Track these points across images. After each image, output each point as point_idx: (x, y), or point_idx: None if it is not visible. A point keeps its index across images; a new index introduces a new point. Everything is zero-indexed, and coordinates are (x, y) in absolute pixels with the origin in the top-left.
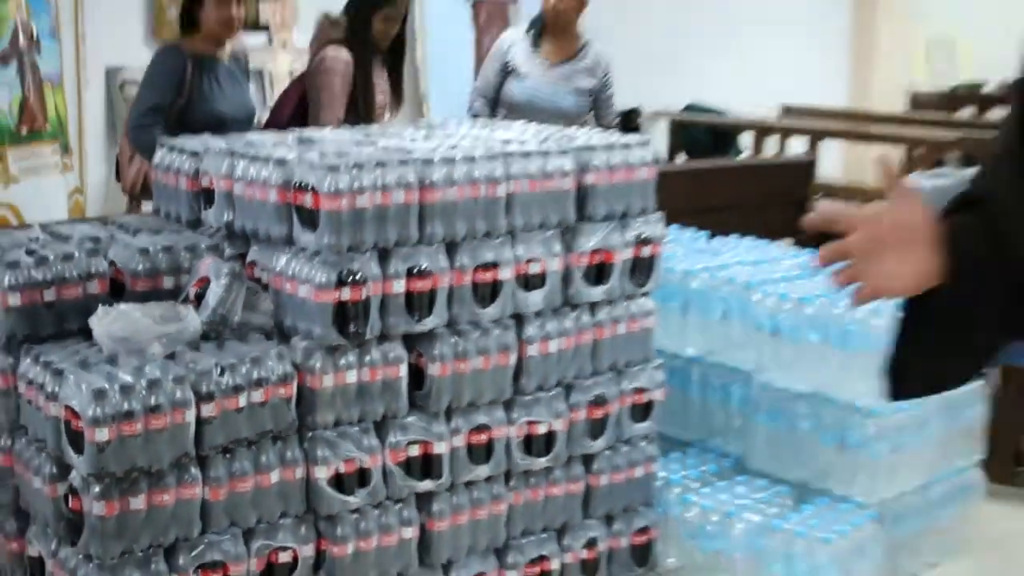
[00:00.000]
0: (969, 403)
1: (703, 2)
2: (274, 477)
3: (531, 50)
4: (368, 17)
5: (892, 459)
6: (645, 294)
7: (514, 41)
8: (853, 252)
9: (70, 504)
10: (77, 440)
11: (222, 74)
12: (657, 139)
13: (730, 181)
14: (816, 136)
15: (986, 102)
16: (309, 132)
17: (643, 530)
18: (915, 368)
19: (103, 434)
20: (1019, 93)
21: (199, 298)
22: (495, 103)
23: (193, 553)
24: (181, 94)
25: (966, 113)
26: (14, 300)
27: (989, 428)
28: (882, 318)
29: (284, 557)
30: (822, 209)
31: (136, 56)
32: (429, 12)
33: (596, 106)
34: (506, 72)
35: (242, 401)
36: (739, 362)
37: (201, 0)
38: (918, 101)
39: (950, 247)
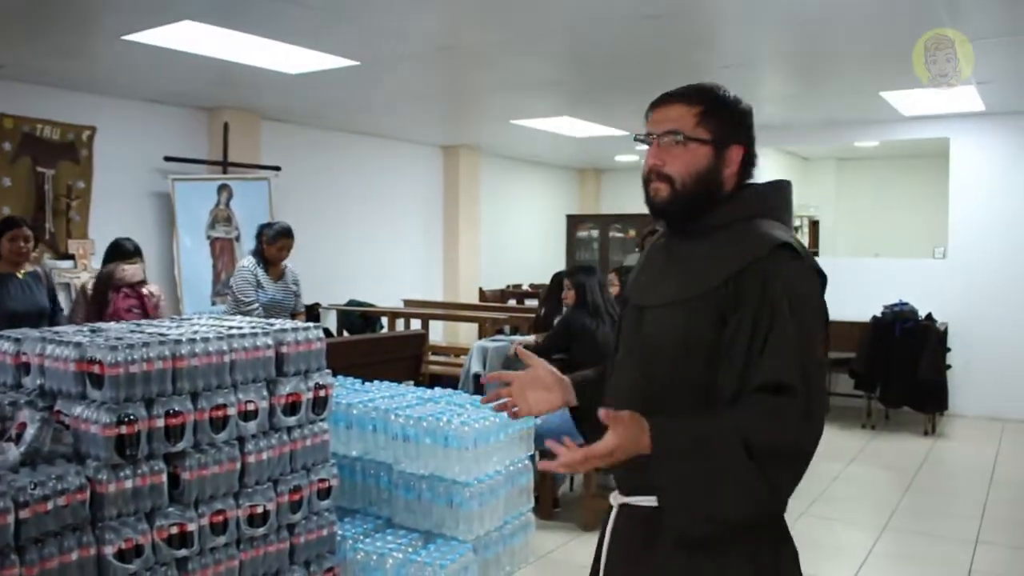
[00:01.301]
0: (523, 472)
1: (356, 237)
2: (74, 556)
3: (264, 273)
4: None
5: (480, 511)
6: (323, 419)
7: (251, 267)
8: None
9: None
10: None
11: (16, 285)
12: (330, 321)
13: (373, 347)
14: (426, 317)
15: (521, 296)
16: (98, 324)
17: (329, 569)
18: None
19: None
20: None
21: (18, 437)
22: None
23: None
24: None
25: (511, 302)
26: None
27: (536, 486)
28: (468, 426)
29: None
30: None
31: None
32: (183, 245)
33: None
34: (257, 284)
35: (50, 505)
36: (384, 458)
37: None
38: (484, 295)
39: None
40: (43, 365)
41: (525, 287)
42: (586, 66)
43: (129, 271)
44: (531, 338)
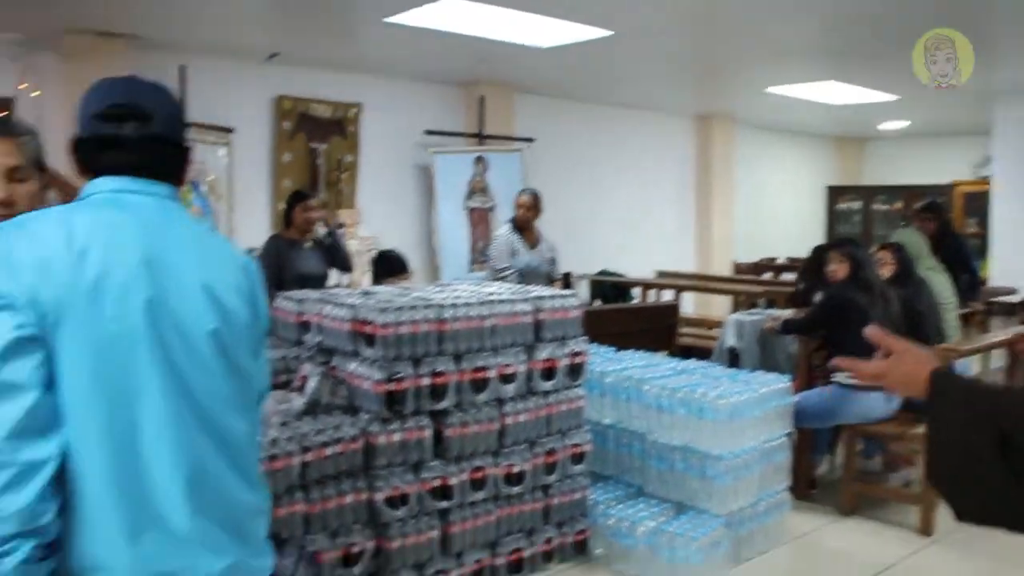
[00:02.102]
0: (779, 450)
1: (609, 209)
2: (349, 498)
3: (519, 240)
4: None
5: (734, 485)
6: (578, 385)
7: (506, 234)
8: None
9: None
10: None
11: (304, 251)
12: (582, 292)
13: (628, 316)
14: (679, 289)
15: (777, 269)
16: (371, 288)
17: (581, 531)
18: (968, 508)
19: None
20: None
21: (301, 388)
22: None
23: (299, 547)
24: (279, 263)
25: (767, 275)
26: None
27: (792, 465)
28: (723, 399)
29: (355, 549)
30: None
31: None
32: (442, 215)
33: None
34: (512, 251)
35: (329, 451)
36: (637, 427)
37: (293, 209)
38: (738, 268)
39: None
40: (321, 324)
41: (780, 260)
42: (853, 26)
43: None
44: (788, 312)
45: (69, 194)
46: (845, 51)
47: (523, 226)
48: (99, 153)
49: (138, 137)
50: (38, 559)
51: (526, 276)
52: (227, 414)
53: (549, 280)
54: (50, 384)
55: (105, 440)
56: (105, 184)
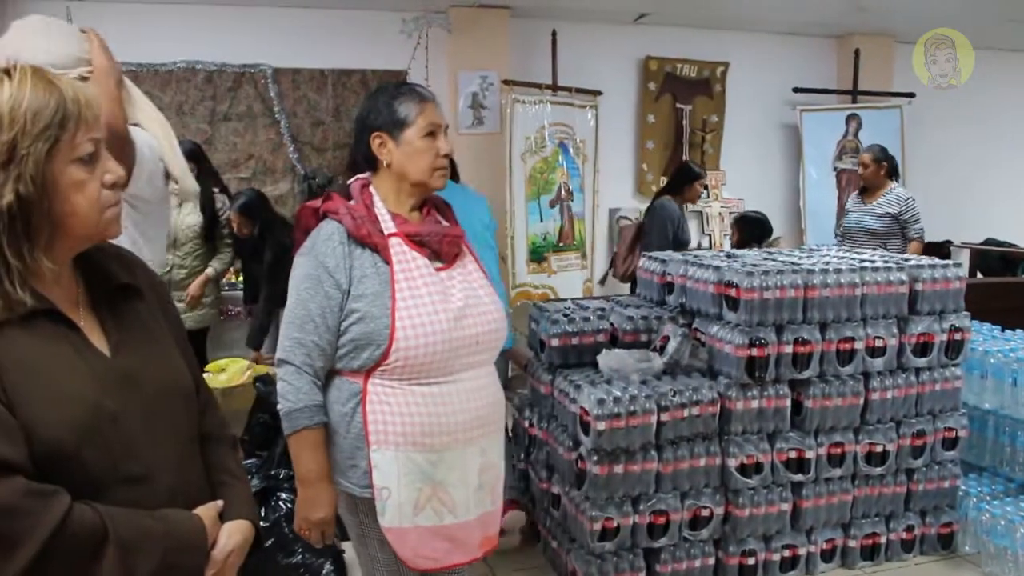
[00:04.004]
0: None
1: (998, 169)
2: (702, 462)
3: (857, 198)
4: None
5: None
6: (956, 365)
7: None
8: None
9: (579, 465)
10: (586, 428)
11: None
12: (962, 262)
13: (1017, 292)
14: None
15: None
16: (734, 250)
17: (947, 524)
18: None
19: (601, 425)
20: None
21: (662, 348)
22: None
23: (649, 503)
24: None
25: None
26: (555, 343)
27: None
28: None
29: (704, 513)
30: None
31: (627, 202)
32: (809, 176)
33: (902, 225)
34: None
35: (685, 413)
36: (1022, 415)
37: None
38: None
39: None
40: (684, 285)
41: None
42: None
43: None
44: None
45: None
46: None
47: (868, 184)
48: None
49: None
50: None
51: (852, 233)
52: None
53: (908, 240)
54: None
55: None
56: None
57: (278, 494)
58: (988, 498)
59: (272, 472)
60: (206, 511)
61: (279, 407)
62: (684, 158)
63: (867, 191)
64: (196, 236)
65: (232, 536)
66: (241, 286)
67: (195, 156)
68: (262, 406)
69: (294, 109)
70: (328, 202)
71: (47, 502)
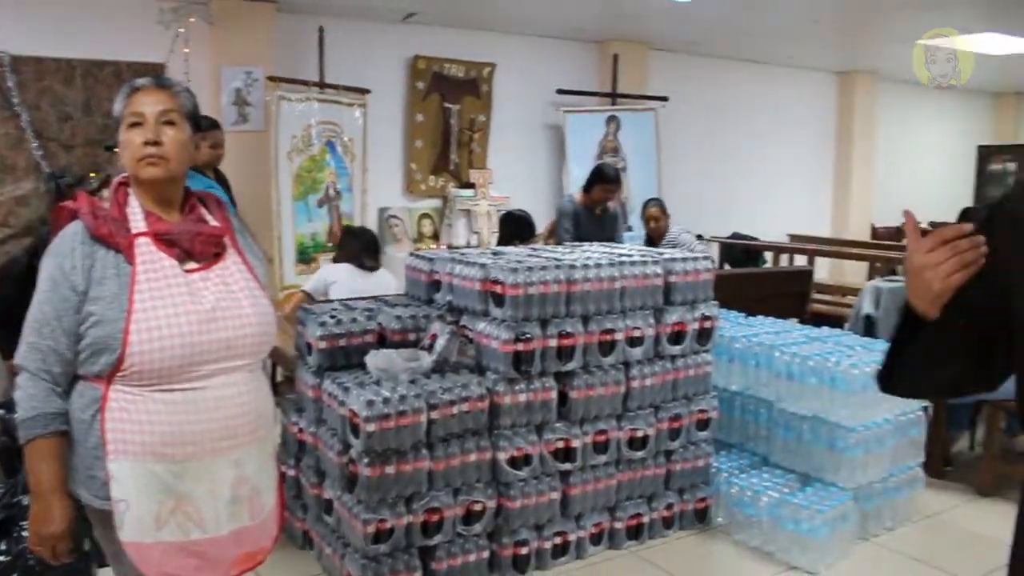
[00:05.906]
0: (914, 424)
1: (741, 170)
2: (473, 457)
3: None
4: None
5: (864, 459)
6: (707, 350)
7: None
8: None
9: (350, 468)
10: (355, 430)
11: (593, 220)
12: (713, 255)
13: (758, 282)
14: (812, 253)
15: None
16: (500, 248)
17: (702, 499)
18: (900, 379)
19: (371, 427)
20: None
21: (430, 347)
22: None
23: (422, 502)
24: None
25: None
26: (323, 345)
27: (927, 440)
28: (858, 369)
29: (477, 507)
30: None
31: (396, 201)
32: (573, 175)
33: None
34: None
35: (455, 410)
36: (765, 395)
37: (591, 182)
38: (876, 232)
39: None
40: (452, 283)
41: (924, 225)
42: None
43: None
44: None
45: (219, 151)
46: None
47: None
48: None
49: None
50: None
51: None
52: None
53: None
54: None
55: None
56: None
57: (21, 523)
58: (737, 472)
59: (15, 500)
60: None
61: (16, 417)
62: (451, 156)
63: (652, 240)
64: None
65: None
66: None
67: None
68: (3, 429)
69: (37, 102)
70: (76, 201)
71: None
